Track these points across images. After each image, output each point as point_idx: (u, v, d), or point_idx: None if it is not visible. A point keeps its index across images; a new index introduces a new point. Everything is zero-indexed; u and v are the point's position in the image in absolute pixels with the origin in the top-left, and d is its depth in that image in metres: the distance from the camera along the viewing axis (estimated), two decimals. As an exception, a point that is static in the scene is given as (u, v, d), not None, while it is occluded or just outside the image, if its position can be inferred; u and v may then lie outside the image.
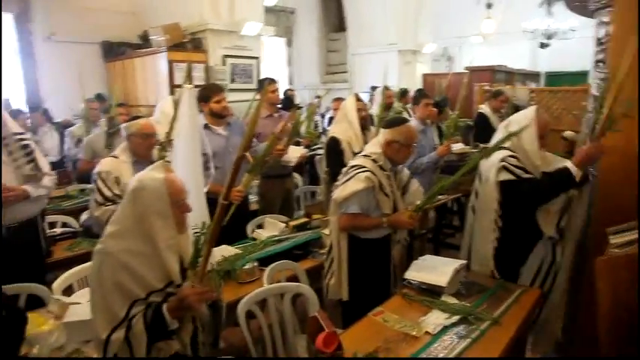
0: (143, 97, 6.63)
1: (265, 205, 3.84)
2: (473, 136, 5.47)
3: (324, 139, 5.42)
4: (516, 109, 5.68)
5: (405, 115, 4.93)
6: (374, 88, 6.04)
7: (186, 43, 6.29)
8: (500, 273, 2.50)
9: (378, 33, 9.12)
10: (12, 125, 2.72)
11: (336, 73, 10.47)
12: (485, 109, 5.53)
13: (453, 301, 2.14)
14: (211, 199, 2.18)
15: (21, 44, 6.44)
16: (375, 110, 4.79)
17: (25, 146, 2.70)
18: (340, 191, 2.42)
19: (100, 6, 6.83)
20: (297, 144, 4.53)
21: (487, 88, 6.75)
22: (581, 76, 9.22)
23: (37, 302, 2.21)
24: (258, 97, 4.01)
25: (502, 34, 9.92)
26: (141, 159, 2.89)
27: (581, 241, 2.61)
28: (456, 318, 1.99)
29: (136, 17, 7.19)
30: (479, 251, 2.64)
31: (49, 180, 2.84)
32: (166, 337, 1.60)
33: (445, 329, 1.92)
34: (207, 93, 3.34)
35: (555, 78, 9.88)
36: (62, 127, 5.70)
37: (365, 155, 2.48)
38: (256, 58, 6.87)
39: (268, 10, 7.57)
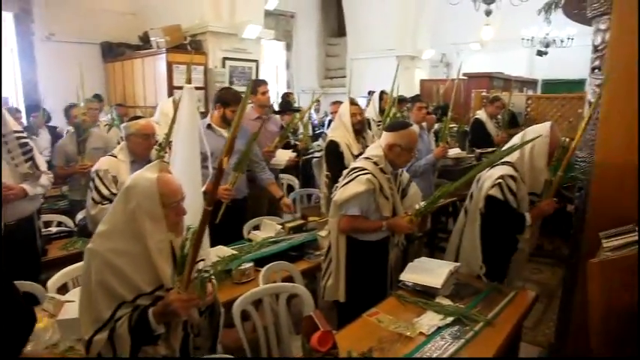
0: (142, 98, 6.64)
1: (253, 208, 3.82)
2: (469, 141, 5.50)
3: (321, 142, 5.45)
4: (512, 115, 5.73)
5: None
6: (371, 93, 6.06)
7: (186, 45, 6.31)
8: (486, 274, 2.52)
9: (376, 38, 9.17)
10: (12, 124, 2.73)
11: (335, 77, 10.51)
12: (481, 114, 5.57)
13: (447, 302, 2.15)
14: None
15: (21, 44, 6.45)
16: (371, 114, 4.82)
17: (24, 144, 2.71)
18: (341, 193, 2.43)
19: (101, 6, 6.86)
20: (295, 147, 4.55)
21: (484, 94, 6.78)
22: (578, 84, 9.30)
23: (31, 300, 2.21)
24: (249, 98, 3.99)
25: (500, 41, 9.98)
26: (139, 159, 2.90)
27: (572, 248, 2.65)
28: (450, 319, 2.00)
29: (136, 18, 7.21)
30: (468, 252, 2.66)
31: (46, 179, 2.85)
32: (151, 342, 1.57)
33: (439, 330, 1.93)
34: (228, 98, 3.32)
35: (552, 86, 9.94)
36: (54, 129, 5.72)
37: (366, 158, 2.50)
38: (255, 61, 6.89)
39: (268, 14, 7.61)
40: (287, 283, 2.33)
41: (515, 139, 2.65)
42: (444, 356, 1.74)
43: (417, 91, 8.96)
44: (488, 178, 2.54)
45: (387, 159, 2.45)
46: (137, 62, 6.71)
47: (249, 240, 3.02)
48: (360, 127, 3.53)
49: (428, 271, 2.31)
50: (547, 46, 9.35)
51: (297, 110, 5.35)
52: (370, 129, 4.36)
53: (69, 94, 5.54)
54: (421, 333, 1.90)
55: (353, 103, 3.58)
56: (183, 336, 1.67)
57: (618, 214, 2.36)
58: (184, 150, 2.18)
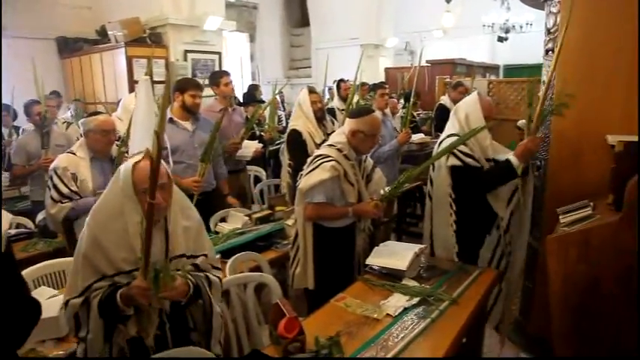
0: (102, 94, 6.46)
1: (221, 200, 3.79)
2: (433, 126, 5.59)
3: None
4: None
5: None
6: (335, 82, 6.08)
7: (146, 38, 6.16)
8: (460, 256, 2.57)
9: (340, 28, 9.17)
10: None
11: (300, 68, 10.47)
12: (445, 100, 5.67)
13: (413, 284, 2.19)
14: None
15: (-31, 40, 6.15)
16: (335, 103, 4.83)
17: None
18: (305, 180, 2.43)
19: (57, 0, 6.61)
20: (260, 138, 4.53)
21: (447, 80, 6.89)
22: (538, 68, 9.46)
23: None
24: (212, 91, 3.94)
25: (462, 28, 10.12)
26: (99, 155, 2.83)
27: (532, 224, 2.72)
28: (416, 300, 2.03)
29: (93, 12, 6.99)
30: (440, 236, 2.71)
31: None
32: (119, 321, 1.62)
33: (405, 311, 1.95)
34: (185, 85, 3.28)
35: (513, 70, 10.15)
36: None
37: (330, 145, 2.50)
38: (218, 53, 6.79)
39: (230, 5, 7.51)
40: (254, 273, 2.32)
41: (451, 115, 2.71)
42: (411, 335, 1.77)
43: (381, 79, 9.02)
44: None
45: (350, 145, 2.46)
46: (95, 57, 6.51)
47: (216, 232, 2.99)
48: (321, 115, 3.54)
49: (393, 255, 2.34)
50: (507, 31, 9.53)
51: (262, 102, 5.32)
52: (336, 118, 4.38)
53: (23, 92, 5.35)
54: (388, 315, 1.92)
55: (312, 91, 3.58)
56: (159, 324, 1.66)
57: (574, 190, 2.45)
58: (142, 142, 2.14)
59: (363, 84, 6.13)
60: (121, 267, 1.61)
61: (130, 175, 1.64)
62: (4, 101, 5.65)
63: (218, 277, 1.85)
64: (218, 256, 2.48)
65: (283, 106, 7.76)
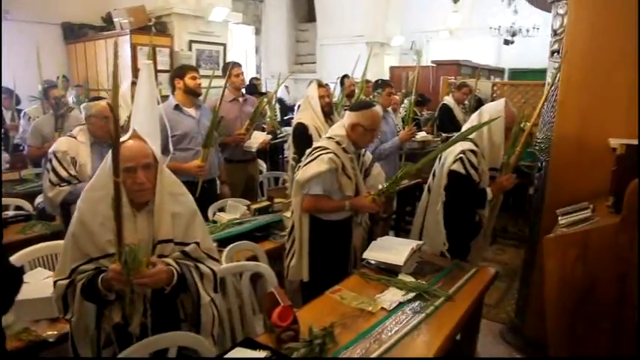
0: (105, 80, 6.44)
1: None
2: (436, 126, 5.58)
3: (288, 127, 5.42)
4: (479, 101, 5.83)
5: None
6: (339, 78, 6.06)
7: (151, 27, 6.14)
8: (449, 250, 2.57)
9: (346, 25, 9.15)
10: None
11: (305, 63, 10.45)
12: (449, 100, 5.67)
13: (409, 279, 2.18)
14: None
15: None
16: (339, 99, 4.83)
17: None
18: (303, 172, 2.42)
19: (63, -15, 6.59)
20: (262, 130, 4.52)
21: (452, 81, 6.87)
22: (542, 73, 9.45)
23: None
24: (220, 83, 3.94)
25: (469, 29, 10.10)
26: (99, 140, 2.82)
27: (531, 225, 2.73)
28: (411, 295, 2.02)
29: (99, -1, 6.97)
30: (432, 230, 2.71)
31: None
32: (103, 305, 1.61)
33: (400, 305, 1.95)
34: (182, 70, 3.33)
35: (518, 74, 10.14)
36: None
37: (329, 137, 2.49)
38: (223, 44, 6.78)
39: (237, -2, 7.49)
40: (249, 262, 2.31)
41: (473, 118, 2.69)
42: (405, 330, 1.76)
43: (386, 77, 9.00)
44: (450, 153, 2.58)
45: (349, 139, 2.45)
46: (100, 44, 6.50)
47: (215, 222, 2.99)
48: (329, 110, 3.53)
49: (390, 249, 2.33)
50: (514, 35, 9.51)
51: (264, 94, 5.30)
52: (338, 114, 4.37)
53: (28, 77, 5.34)
54: (383, 308, 1.92)
55: (321, 85, 3.56)
56: (143, 311, 1.63)
57: (574, 192, 2.44)
58: (143, 126, 2.13)
59: (367, 81, 6.11)
60: (105, 249, 1.59)
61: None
62: (5, 85, 5.65)
63: (212, 267, 1.78)
64: (215, 244, 2.48)
65: (280, 101, 7.70)
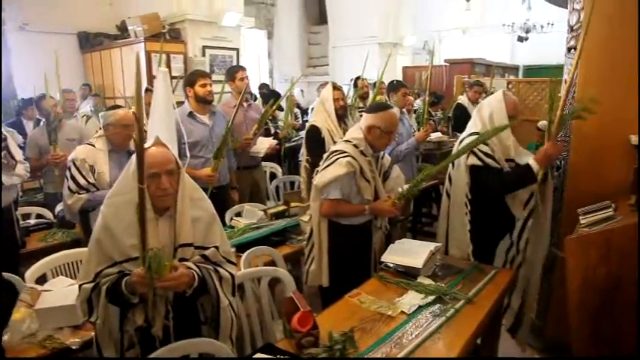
0: (121, 88, 6.53)
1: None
2: (451, 126, 5.54)
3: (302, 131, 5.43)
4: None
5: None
6: (352, 80, 6.06)
7: (165, 34, 6.21)
8: (475, 255, 2.53)
9: (358, 26, 9.14)
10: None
11: (318, 65, 10.46)
12: (463, 99, 5.63)
13: (428, 282, 2.16)
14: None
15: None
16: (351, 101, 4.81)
17: (-4, 135, 2.66)
18: (321, 176, 2.42)
19: (76, -4, 6.70)
20: (276, 135, 4.53)
21: (466, 79, 6.82)
22: (559, 69, 9.31)
23: (10, 291, 2.17)
24: (227, 86, 3.95)
25: (482, 27, 10.02)
26: (118, 148, 2.86)
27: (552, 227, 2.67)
28: (431, 298, 2.01)
29: (113, 7, 7.08)
30: (455, 235, 2.67)
31: (22, 168, 2.81)
32: (127, 308, 1.64)
33: (420, 309, 1.93)
34: (192, 77, 3.34)
35: (533, 71, 10.00)
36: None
37: (346, 140, 2.48)
38: (236, 49, 6.82)
39: (248, 2, 7.53)
40: (268, 267, 2.32)
41: (474, 114, 2.67)
42: (425, 334, 1.75)
43: (399, 78, 8.97)
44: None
45: (367, 141, 2.44)
46: (115, 52, 6.59)
47: (232, 227, 3.00)
48: (343, 113, 3.51)
49: (409, 252, 2.32)
50: (527, 31, 9.40)
51: (279, 97, 5.29)
52: (352, 116, 4.36)
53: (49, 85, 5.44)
54: (402, 312, 1.91)
55: (336, 87, 3.54)
56: (165, 313, 1.66)
57: (595, 191, 2.40)
58: (161, 133, 2.15)
59: (380, 82, 6.10)
60: (129, 253, 1.62)
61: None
62: (28, 95, 5.76)
63: (230, 271, 1.81)
64: (233, 249, 2.50)
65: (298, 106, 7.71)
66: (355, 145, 2.42)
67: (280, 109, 5.34)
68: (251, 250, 2.41)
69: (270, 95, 5.62)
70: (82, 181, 2.73)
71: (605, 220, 2.08)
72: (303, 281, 2.62)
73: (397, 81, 4.45)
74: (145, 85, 5.77)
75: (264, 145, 3.81)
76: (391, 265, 2.32)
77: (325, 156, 2.51)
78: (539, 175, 2.37)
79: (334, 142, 3.25)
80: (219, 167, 3.16)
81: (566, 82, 2.61)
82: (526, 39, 9.53)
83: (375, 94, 3.85)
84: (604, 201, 2.25)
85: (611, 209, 2.16)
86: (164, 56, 4.62)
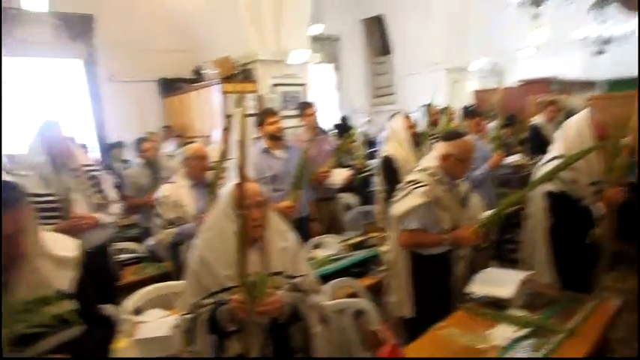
0: (199, 128, 6.89)
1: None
2: (529, 149, 5.31)
3: (374, 161, 5.43)
4: (569, 114, 5.47)
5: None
6: (424, 106, 6.01)
7: (237, 75, 6.52)
8: (562, 282, 2.38)
9: (423, 53, 9.09)
10: (82, 158, 2.93)
11: (384, 95, 10.49)
12: (538, 120, 5.40)
13: (520, 313, 2.05)
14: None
15: (90, 87, 6.91)
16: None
17: (93, 177, 2.88)
18: (398, 207, 2.41)
19: (156, 46, 7.22)
20: (350, 167, 4.56)
21: (540, 99, 6.56)
22: (644, 81, 8.77)
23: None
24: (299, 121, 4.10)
25: (553, 44, 9.64)
26: (196, 181, 3.00)
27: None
28: (525, 331, 1.90)
29: (189, 54, 7.54)
30: (538, 260, 2.54)
31: (116, 207, 3.01)
32: (225, 337, 1.69)
33: (514, 343, 1.83)
34: (262, 117, 3.49)
35: (617, 85, 9.45)
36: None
37: (421, 170, 2.46)
38: (304, 85, 7.00)
39: (314, 39, 7.75)
40: (352, 299, 2.31)
41: (558, 134, 2.53)
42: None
43: (467, 103, 8.79)
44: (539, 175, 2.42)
45: (442, 169, 2.40)
46: (193, 95, 6.98)
47: (311, 259, 3.02)
48: (416, 140, 3.50)
49: (497, 282, 2.22)
50: (605, 43, 8.94)
51: (349, 128, 5.35)
52: (424, 144, 4.32)
53: (133, 130, 5.88)
54: (494, 346, 1.82)
55: (407, 116, 3.55)
56: (262, 341, 1.70)
57: None
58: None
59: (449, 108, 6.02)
60: (224, 283, 1.69)
61: (229, 194, 1.75)
62: (115, 139, 6.25)
63: (318, 300, 1.87)
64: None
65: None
66: (431, 174, 2.39)
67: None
68: (334, 282, 2.42)
69: (343, 128, 5.70)
70: (168, 217, 2.89)
71: None
72: (386, 312, 2.57)
73: (471, 107, 4.38)
74: (221, 124, 6.07)
75: (340, 176, 3.85)
76: (478, 296, 2.23)
77: (401, 186, 2.50)
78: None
79: (408, 171, 3.24)
80: (298, 198, 3.23)
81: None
82: (604, 52, 9.07)
83: (448, 122, 3.80)
84: None
85: None
86: (239, 98, 4.82)
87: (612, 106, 5.68)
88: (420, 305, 2.41)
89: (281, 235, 1.85)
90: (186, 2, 7.00)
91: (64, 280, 1.36)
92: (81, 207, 2.74)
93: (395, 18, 9.42)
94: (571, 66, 9.52)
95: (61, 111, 6.40)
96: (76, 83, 6.88)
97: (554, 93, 7.30)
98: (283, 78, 6.79)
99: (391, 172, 3.33)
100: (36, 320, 1.20)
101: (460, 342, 1.88)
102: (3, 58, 5.90)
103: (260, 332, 1.70)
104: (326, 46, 9.63)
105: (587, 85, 9.11)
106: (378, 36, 10.40)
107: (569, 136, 2.44)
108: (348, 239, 3.25)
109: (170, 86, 7.43)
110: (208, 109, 6.63)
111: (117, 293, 2.88)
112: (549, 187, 2.38)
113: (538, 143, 5.16)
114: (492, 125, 4.97)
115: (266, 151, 3.40)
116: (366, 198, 5.18)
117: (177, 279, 2.56)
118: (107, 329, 1.58)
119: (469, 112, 4.06)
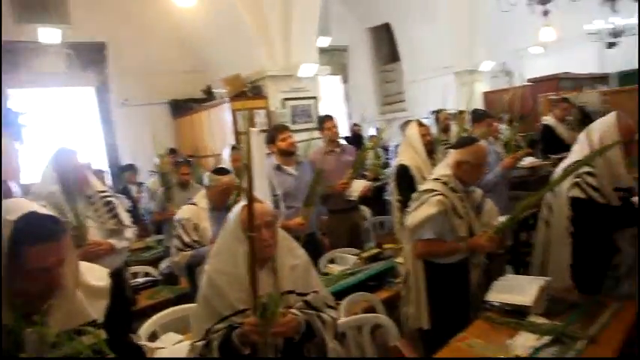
0: (211, 147, 6.95)
1: (333, 241, 3.83)
2: (540, 149, 5.21)
3: (387, 170, 5.40)
4: (585, 115, 5.37)
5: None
6: (434, 113, 5.98)
7: (247, 92, 6.57)
8: (579, 287, 2.32)
9: (431, 58, 9.06)
10: (96, 184, 2.96)
11: (394, 102, 10.46)
12: (549, 120, 5.32)
13: (541, 321, 2.00)
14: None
15: (101, 112, 7.06)
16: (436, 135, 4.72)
17: (108, 202, 2.92)
18: (413, 217, 2.38)
19: (165, 69, 7.34)
20: (363, 177, 4.54)
21: (552, 97, 6.46)
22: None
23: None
24: (318, 134, 4.09)
25: (563, 40, 9.53)
26: (217, 205, 3.00)
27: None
28: (547, 339, 1.85)
29: (199, 74, 7.65)
30: (556, 266, 2.47)
31: (130, 232, 3.03)
32: None
33: (536, 351, 1.79)
34: (273, 133, 3.50)
35: (630, 77, 9.28)
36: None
37: (435, 178, 2.44)
38: (314, 97, 7.03)
39: (322, 51, 7.78)
40: (369, 314, 2.29)
41: (581, 137, 2.46)
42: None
43: (478, 105, 8.70)
44: (565, 181, 2.36)
45: (456, 177, 2.38)
46: (204, 114, 7.06)
47: (326, 274, 3.01)
48: (431, 148, 3.46)
49: (516, 289, 2.17)
50: (617, 36, 8.81)
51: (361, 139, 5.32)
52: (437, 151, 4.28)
53: (145, 152, 5.95)
54: (517, 356, 1.78)
55: (421, 124, 3.51)
56: None
57: None
58: (258, 190, 2.25)
59: (461, 112, 5.96)
60: (236, 307, 1.68)
61: (238, 216, 1.74)
62: (128, 161, 6.33)
63: (332, 315, 1.85)
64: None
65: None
66: (444, 183, 2.37)
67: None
68: (350, 297, 2.40)
69: (353, 139, 5.68)
70: (187, 239, 2.89)
71: None
72: (403, 324, 2.54)
73: (481, 110, 4.33)
74: (232, 141, 6.11)
75: (359, 187, 3.82)
76: (496, 304, 2.18)
77: (415, 196, 2.48)
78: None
79: (424, 180, 3.21)
80: (309, 215, 3.22)
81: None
82: (616, 44, 8.93)
83: (461, 128, 3.76)
84: None
85: None
86: (250, 116, 4.86)
87: (626, 100, 5.59)
88: (438, 316, 2.37)
89: (291, 253, 1.83)
90: (194, 24, 7.11)
91: (97, 309, 1.36)
92: (95, 233, 2.77)
93: (402, 25, 9.41)
94: (581, 62, 9.38)
95: (75, 138, 6.52)
96: (88, 110, 7.03)
97: (564, 90, 7.19)
98: (293, 92, 6.82)
99: (406, 181, 3.29)
100: (70, 350, 1.22)
101: (482, 353, 1.84)
102: (22, 89, 6.13)
103: (275, 353, 1.69)
104: (334, 57, 9.66)
105: (598, 79, 8.96)
106: (385, 44, 10.41)
107: (594, 139, 2.35)
108: (363, 252, 3.22)
109: (181, 107, 7.53)
110: (219, 127, 6.68)
111: (133, 318, 2.89)
112: (574, 192, 2.31)
113: (550, 143, 5.07)
114: (504, 127, 4.92)
115: (278, 167, 3.40)
116: (380, 208, 5.15)
117: (194, 301, 2.55)
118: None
119: (478, 116, 4.01)
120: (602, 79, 9.13)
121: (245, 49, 6.63)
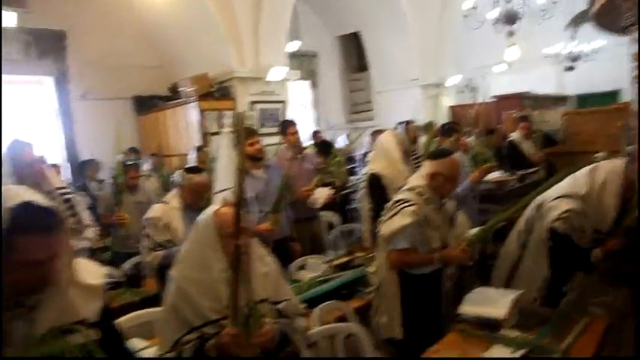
0: (175, 146, 6.77)
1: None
2: (506, 165, 5.35)
3: (354, 178, 5.40)
4: (546, 136, 5.58)
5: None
6: (402, 124, 6.04)
7: (215, 92, 6.45)
8: (546, 300, 2.39)
9: (399, 70, 9.21)
10: (54, 180, 2.81)
11: (362, 111, 10.55)
12: (515, 136, 5.50)
13: (514, 333, 2.02)
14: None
15: (60, 105, 6.73)
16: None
17: (67, 200, 2.77)
18: (387, 227, 2.37)
19: (129, 63, 7.09)
20: (329, 185, 4.51)
21: (515, 115, 6.68)
22: (611, 96, 9.09)
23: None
24: (280, 139, 4.03)
25: (525, 61, 9.88)
26: (190, 205, 2.89)
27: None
28: (520, 352, 1.86)
29: (164, 70, 7.45)
30: (524, 279, 2.52)
31: (91, 232, 2.89)
32: None
33: (511, 365, 1.80)
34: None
35: (585, 99, 9.76)
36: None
37: (409, 188, 2.43)
38: (283, 102, 6.98)
39: (292, 56, 7.75)
40: (342, 324, 2.24)
41: (585, 173, 2.42)
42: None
43: (445, 118, 8.89)
44: (554, 208, 2.36)
45: (430, 188, 2.38)
46: (169, 113, 6.89)
47: (296, 281, 2.94)
48: (406, 158, 3.47)
49: (489, 302, 2.18)
50: (575, 60, 9.24)
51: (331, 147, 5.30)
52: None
53: (106, 149, 5.71)
54: (492, 369, 1.78)
55: (396, 133, 3.51)
56: None
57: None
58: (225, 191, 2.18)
59: (430, 124, 6.06)
60: (208, 316, 1.61)
61: (211, 222, 1.67)
62: (88, 157, 6.06)
63: (302, 323, 1.84)
64: (303, 305, 2.43)
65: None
66: (419, 193, 2.37)
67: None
68: (323, 305, 2.34)
69: (323, 146, 5.64)
70: (157, 239, 2.78)
71: None
72: (374, 333, 2.51)
73: (449, 125, 4.39)
74: (197, 143, 5.96)
75: (322, 195, 3.78)
76: (469, 317, 2.18)
77: (389, 205, 2.47)
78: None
79: (396, 189, 3.20)
80: (278, 221, 3.14)
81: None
82: (573, 68, 9.36)
83: (431, 139, 3.80)
84: None
85: None
86: (220, 117, 4.76)
87: (584, 121, 5.84)
88: (410, 326, 2.36)
89: (261, 260, 1.79)
90: (160, 18, 6.92)
91: (90, 308, 1.27)
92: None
93: (371, 35, 9.52)
94: (541, 82, 9.77)
95: (30, 130, 6.20)
96: (46, 101, 6.71)
97: (527, 108, 7.45)
98: (262, 95, 6.76)
99: (378, 190, 3.28)
100: (58, 348, 1.16)
101: (456, 366, 1.83)
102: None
103: None
104: (304, 62, 9.64)
105: (559, 100, 9.35)
106: (354, 53, 10.50)
107: (597, 179, 2.34)
108: (334, 260, 3.18)
109: (145, 104, 7.30)
110: (185, 127, 6.53)
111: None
112: (557, 225, 2.33)
113: (515, 159, 5.26)
114: (472, 139, 5.01)
115: (246, 172, 3.31)
116: (347, 216, 5.13)
117: (161, 305, 2.44)
118: None
119: (447, 129, 4.07)
120: (561, 99, 9.54)
121: (213, 48, 6.51)
